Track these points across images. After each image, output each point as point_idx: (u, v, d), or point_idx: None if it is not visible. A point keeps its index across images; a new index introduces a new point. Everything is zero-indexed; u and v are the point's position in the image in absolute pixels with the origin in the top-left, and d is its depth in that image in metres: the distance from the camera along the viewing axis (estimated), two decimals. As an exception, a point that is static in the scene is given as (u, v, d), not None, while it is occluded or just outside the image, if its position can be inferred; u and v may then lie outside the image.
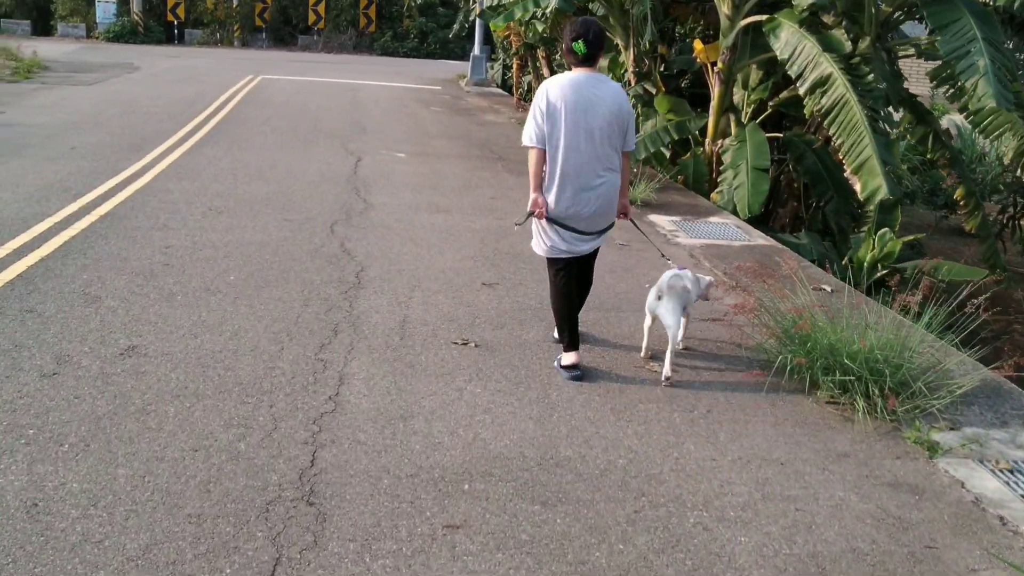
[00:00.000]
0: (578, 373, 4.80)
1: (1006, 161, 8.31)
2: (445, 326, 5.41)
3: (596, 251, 5.10)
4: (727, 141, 10.64)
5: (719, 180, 10.60)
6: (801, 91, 8.76)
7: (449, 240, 7.49)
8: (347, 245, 7.07)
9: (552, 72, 18.86)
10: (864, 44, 9.19)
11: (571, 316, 4.94)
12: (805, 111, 8.95)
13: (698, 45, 10.81)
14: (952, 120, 16.01)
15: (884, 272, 9.22)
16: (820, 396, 4.70)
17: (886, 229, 9.37)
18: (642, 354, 5.16)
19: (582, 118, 4.60)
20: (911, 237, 9.72)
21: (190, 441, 3.81)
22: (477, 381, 4.63)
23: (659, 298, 4.92)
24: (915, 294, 5.05)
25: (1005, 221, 13.40)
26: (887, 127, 8.70)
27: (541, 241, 4.94)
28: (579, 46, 4.61)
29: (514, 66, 20.14)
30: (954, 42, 8.22)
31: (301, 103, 17.25)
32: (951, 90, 8.99)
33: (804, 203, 11.66)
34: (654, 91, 11.91)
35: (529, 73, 20.55)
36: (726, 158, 10.44)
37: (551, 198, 4.74)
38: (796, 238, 9.52)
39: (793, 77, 8.94)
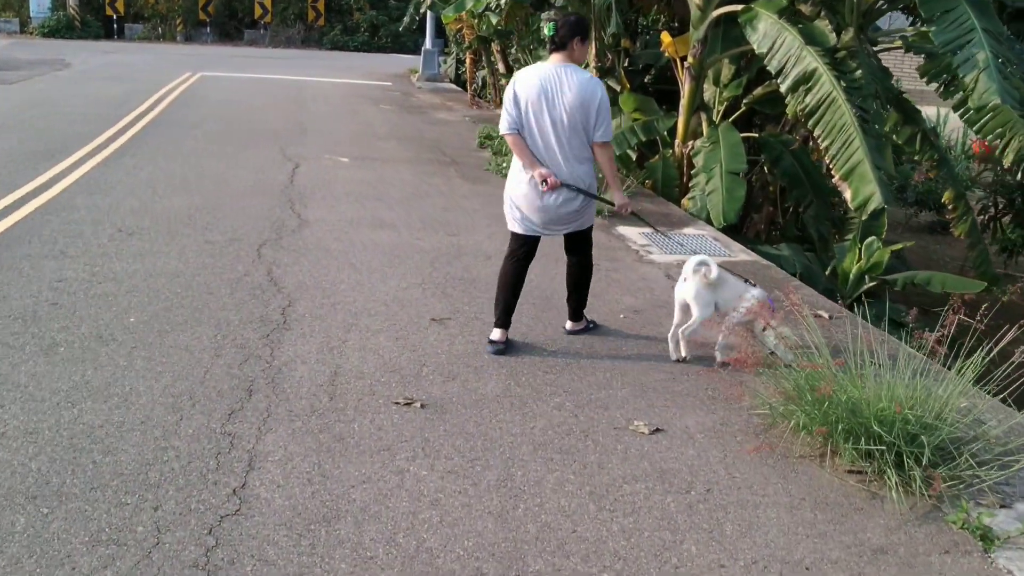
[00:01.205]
0: (500, 347, 4.98)
1: (1006, 164, 7.54)
2: (385, 379, 4.51)
3: (584, 234, 5.22)
4: (698, 142, 9.83)
5: (691, 185, 9.80)
6: (783, 88, 7.95)
7: (394, 263, 6.57)
8: (275, 273, 6.12)
9: (508, 67, 17.99)
10: (847, 36, 8.40)
11: (507, 298, 5.05)
12: (788, 111, 8.16)
13: (666, 38, 9.98)
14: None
15: (872, 284, 8.48)
16: (838, 464, 3.88)
17: (873, 238, 8.64)
18: (673, 356, 5.06)
19: (546, 109, 4.73)
20: (899, 245, 8.99)
21: (37, 573, 2.87)
22: (423, 458, 3.73)
23: (684, 280, 4.95)
24: (940, 331, 4.25)
25: (986, 221, 12.79)
26: (877, 128, 7.93)
27: (512, 212, 5.09)
28: (548, 28, 4.77)
29: (467, 61, 19.22)
30: (949, 33, 7.45)
31: (240, 102, 16.19)
32: (942, 86, 8.26)
33: (780, 208, 10.90)
34: (619, 88, 11.06)
35: (483, 68, 19.64)
36: (698, 161, 9.63)
37: (522, 181, 4.94)
38: (776, 249, 8.74)
39: (773, 73, 8.13)
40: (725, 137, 9.51)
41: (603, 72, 11.31)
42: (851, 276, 8.52)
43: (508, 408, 4.26)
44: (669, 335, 5.11)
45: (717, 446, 4.02)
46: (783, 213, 10.94)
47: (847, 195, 7.48)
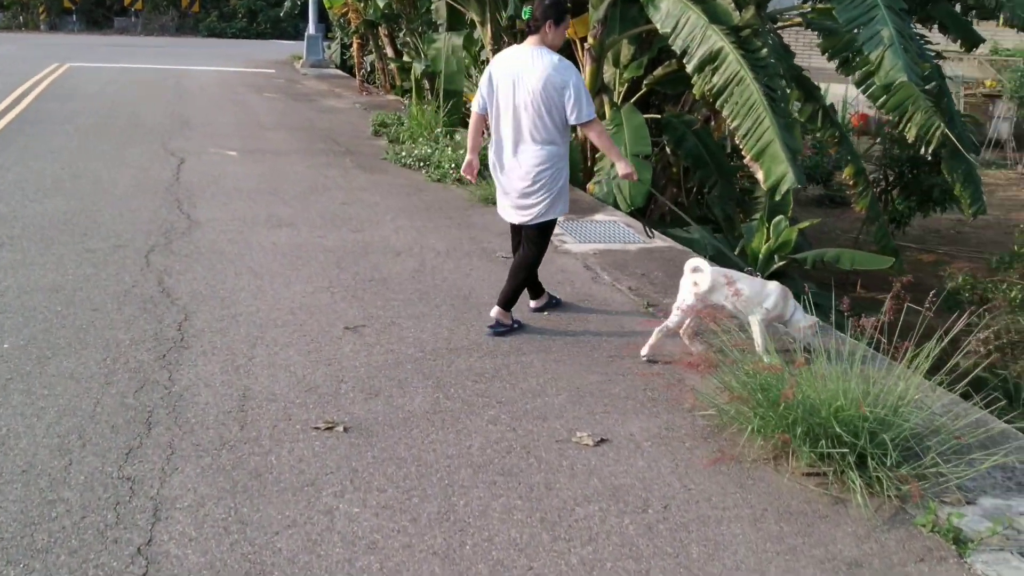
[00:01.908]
0: (501, 329, 5.06)
1: (910, 138, 7.55)
2: (301, 400, 4.09)
3: (537, 231, 5.10)
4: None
5: (596, 169, 9.59)
6: (689, 68, 7.76)
7: (297, 265, 6.12)
8: (167, 282, 5.60)
9: (397, 51, 17.48)
10: (748, 14, 8.28)
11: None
12: (695, 91, 7.98)
13: (564, 19, 9.70)
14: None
15: (782, 263, 8.44)
16: (794, 467, 3.68)
17: (780, 216, 8.59)
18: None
19: (511, 92, 4.80)
20: (805, 223, 8.97)
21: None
22: (352, 493, 3.35)
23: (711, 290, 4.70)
24: (876, 317, 4.10)
25: (878, 194, 13.02)
26: (784, 106, 7.84)
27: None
28: (525, 11, 4.82)
29: (354, 46, 18.60)
30: (853, 10, 7.41)
31: (115, 95, 15.24)
32: (843, 63, 8.24)
33: (684, 189, 10.81)
34: (516, 71, 10.74)
35: (371, 53, 19.06)
36: (602, 144, 9.40)
37: (491, 159, 5.07)
38: (687, 232, 8.60)
39: (678, 53, 7.94)
40: (628, 119, 9.32)
41: (500, 55, 10.98)
42: (760, 256, 8.46)
43: (440, 426, 3.91)
44: (682, 332, 4.85)
45: (667, 455, 3.77)
46: (687, 194, 10.85)
47: (759, 175, 7.36)
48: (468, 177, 5.23)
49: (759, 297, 4.67)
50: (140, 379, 4.21)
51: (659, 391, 4.37)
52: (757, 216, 9.24)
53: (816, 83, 9.80)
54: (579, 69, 9.68)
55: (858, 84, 7.98)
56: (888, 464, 3.45)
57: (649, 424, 4.03)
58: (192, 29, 37.32)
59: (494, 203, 8.25)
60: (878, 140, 12.61)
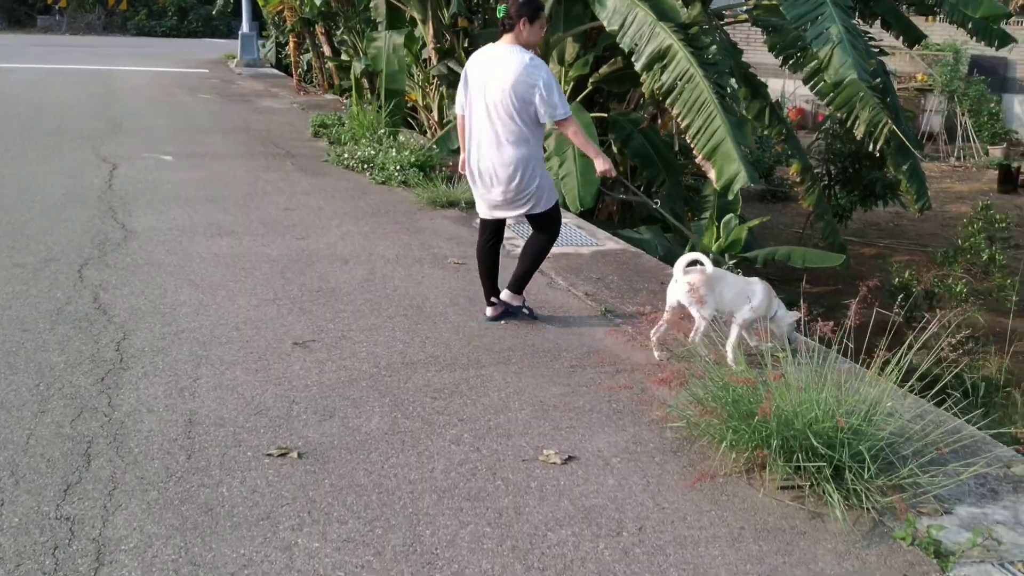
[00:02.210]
0: (495, 317, 5.23)
1: (858, 135, 7.56)
2: (251, 424, 3.87)
3: (542, 216, 5.11)
4: (548, 125, 9.46)
5: (544, 169, 9.44)
6: (638, 66, 7.67)
7: (240, 276, 5.86)
8: (102, 298, 5.31)
9: (334, 50, 17.16)
10: (695, 11, 8.22)
11: (484, 280, 5.28)
12: (644, 89, 7.89)
13: (508, 17, 9.54)
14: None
15: (733, 262, 8.39)
16: (767, 480, 3.57)
17: (731, 215, 8.56)
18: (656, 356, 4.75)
19: (482, 92, 4.80)
20: (755, 221, 8.95)
21: None
22: (311, 525, 3.16)
23: (676, 281, 4.69)
24: (836, 322, 4.03)
25: (821, 190, 13.12)
26: (734, 104, 7.80)
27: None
28: (500, 9, 4.79)
29: (291, 44, 18.21)
30: (801, 7, 7.40)
31: (40, 97, 14.68)
32: (791, 60, 8.24)
33: (630, 189, 10.72)
34: (460, 70, 10.56)
35: (308, 51, 18.69)
36: (549, 144, 9.26)
37: (467, 159, 5.08)
38: (638, 233, 8.52)
39: (626, 51, 7.84)
40: (576, 118, 9.19)
41: (443, 53, 10.80)
42: (711, 255, 8.40)
43: (400, 448, 3.73)
44: (652, 332, 4.77)
45: (637, 471, 3.63)
46: (634, 193, 10.77)
47: (711, 174, 7.30)
48: (465, 174, 5.20)
49: (745, 295, 4.65)
50: (77, 406, 3.95)
51: (624, 403, 4.24)
52: (706, 215, 9.20)
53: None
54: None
55: (806, 81, 7.97)
56: (866, 476, 3.36)
57: (616, 438, 3.90)
58: (120, 28, 36.35)
59: (441, 206, 8.12)
60: (820, 136, 12.70)
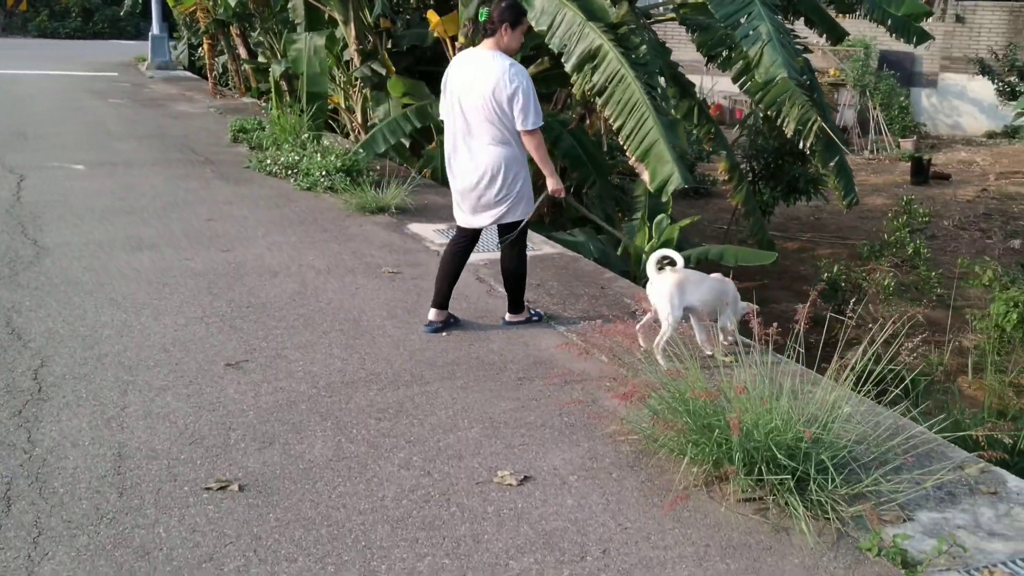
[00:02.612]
0: (436, 327, 5.11)
1: (788, 133, 7.59)
2: (186, 455, 3.64)
3: (507, 228, 5.06)
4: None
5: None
6: (568, 67, 7.55)
7: (164, 293, 5.58)
8: (16, 322, 4.99)
9: (250, 52, 16.71)
10: (623, 10, 8.15)
11: (442, 285, 5.12)
12: (575, 90, 7.77)
13: (433, 17, 9.36)
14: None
15: (666, 262, 8.36)
16: (728, 492, 3.49)
17: (663, 215, 8.53)
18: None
19: (460, 97, 4.77)
20: (687, 220, 8.93)
21: None
22: (259, 566, 2.95)
23: (651, 282, 4.63)
24: (783, 326, 4.00)
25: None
26: (665, 104, 7.76)
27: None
28: (481, 13, 4.79)
29: (205, 46, 17.68)
30: (729, 5, 7.37)
31: (-63, 104, 13.95)
32: (719, 59, 8.24)
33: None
34: (384, 72, 10.34)
35: (223, 53, 18.17)
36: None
37: (447, 165, 5.03)
38: (571, 235, 8.42)
39: (555, 51, 7.73)
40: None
41: (366, 55, 10.55)
42: (644, 256, 8.37)
43: (347, 476, 3.54)
44: (638, 327, 4.74)
45: (595, 489, 3.52)
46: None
47: (644, 176, 7.23)
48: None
49: (721, 294, 4.74)
50: (-7, 443, 3.66)
51: (576, 416, 4.12)
52: (638, 215, 9.17)
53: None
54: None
55: (736, 79, 7.98)
56: (829, 487, 3.30)
57: (571, 455, 3.78)
58: (20, 29, 34.90)
59: (371, 212, 7.90)
60: (743, 132, 12.80)
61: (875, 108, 21.28)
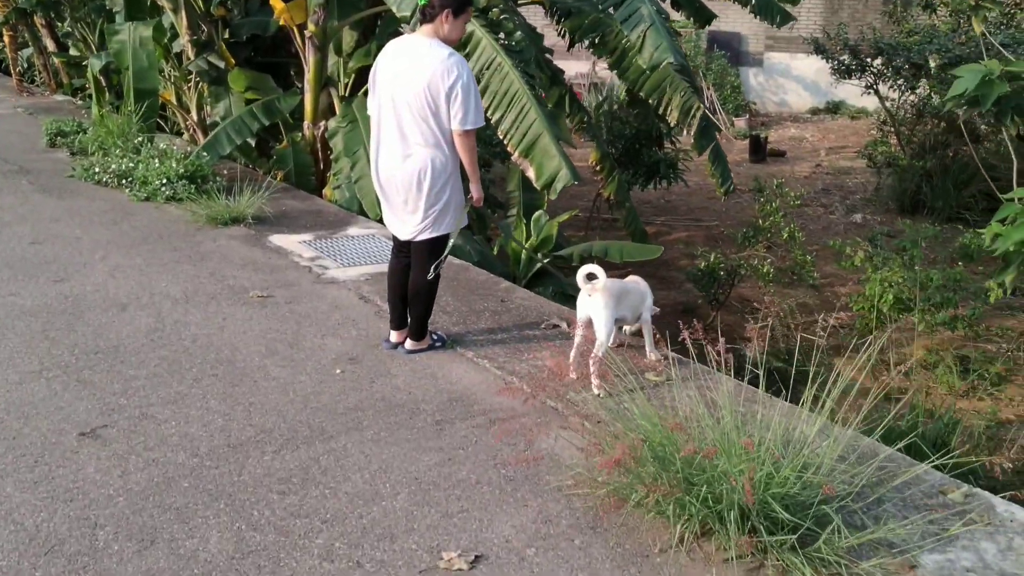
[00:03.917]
0: (397, 344, 4.70)
1: (672, 120, 7.29)
2: (42, 566, 2.85)
3: (427, 249, 4.47)
4: (332, 122, 8.57)
5: (332, 173, 8.55)
6: (438, 57, 6.93)
7: (-12, 341, 4.64)
8: None
9: (59, 43, 15.16)
10: (491, -6, 7.60)
11: (395, 302, 4.69)
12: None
13: (278, 4, 8.47)
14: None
15: (546, 261, 7.91)
16: (709, 551, 3.01)
17: (540, 211, 8.09)
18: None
19: (394, 89, 4.26)
20: (564, 215, 8.50)
21: None
22: None
23: (589, 295, 4.21)
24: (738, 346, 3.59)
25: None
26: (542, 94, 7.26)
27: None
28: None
29: (6, 39, 15.93)
30: (607, -12, 6.94)
31: None
32: (592, 44, 7.81)
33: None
34: (223, 65, 9.38)
35: (27, 46, 16.43)
36: (336, 144, 8.39)
37: (372, 165, 4.50)
38: (447, 237, 7.80)
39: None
40: (362, 114, 8.34)
41: (201, 46, 9.55)
42: (523, 256, 7.89)
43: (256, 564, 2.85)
44: (571, 355, 4.29)
45: (560, 563, 2.96)
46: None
47: (530, 173, 6.70)
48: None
49: (645, 298, 4.51)
50: None
51: (512, 465, 3.55)
52: (512, 211, 8.67)
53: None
54: (303, 60, 8.63)
55: (613, 65, 7.56)
56: (838, 541, 2.87)
57: (521, 519, 3.20)
58: None
59: (224, 223, 7.03)
60: (599, 117, 12.50)
61: (709, 88, 21.61)
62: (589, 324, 4.26)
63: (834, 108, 21.87)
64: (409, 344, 4.67)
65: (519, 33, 7.05)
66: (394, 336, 4.72)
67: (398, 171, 4.35)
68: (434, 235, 4.46)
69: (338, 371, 4.41)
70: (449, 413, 4.00)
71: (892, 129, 14.26)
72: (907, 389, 6.78)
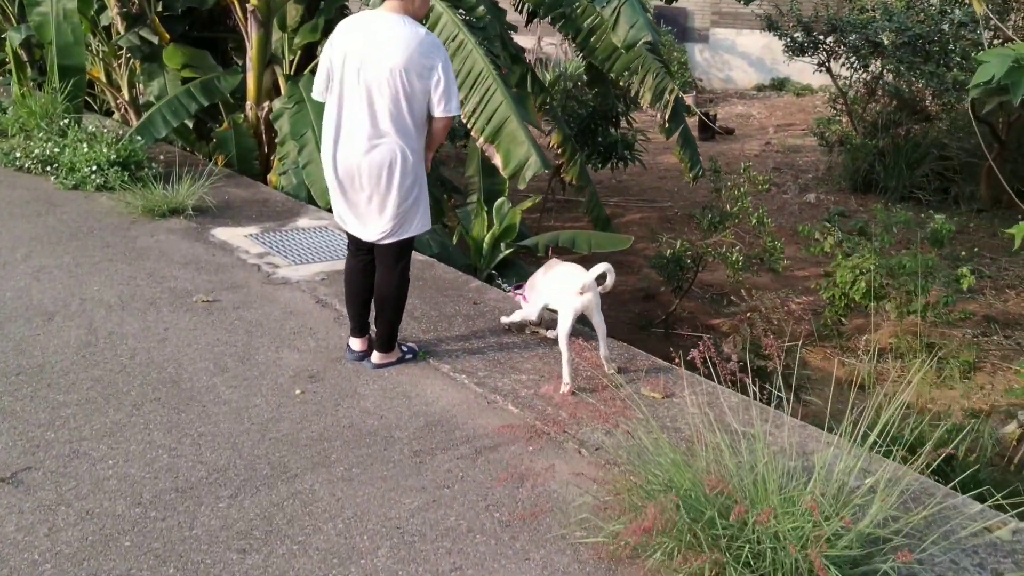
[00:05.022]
0: (360, 355, 4.24)
1: (644, 104, 6.88)
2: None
3: (394, 251, 4.08)
4: (277, 103, 7.97)
5: (278, 158, 7.96)
6: (394, 34, 6.40)
7: None
8: None
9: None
10: (445, -34, 7.05)
11: (355, 309, 4.23)
12: (403, 61, 6.63)
13: (216, -26, 7.85)
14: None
15: (509, 252, 7.46)
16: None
17: (503, 199, 7.61)
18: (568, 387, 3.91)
19: (361, 68, 3.78)
20: (528, 202, 8.04)
21: None
22: None
23: (582, 293, 3.95)
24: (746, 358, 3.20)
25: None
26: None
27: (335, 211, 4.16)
28: None
29: (-85, 9, 14.81)
30: (576, -39, 6.47)
31: None
32: (558, 21, 7.34)
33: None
34: (156, 40, 8.69)
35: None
36: (281, 126, 7.81)
37: (328, 155, 3.95)
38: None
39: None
40: (309, 94, 7.77)
41: (131, 20, 8.84)
42: (485, 246, 7.43)
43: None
44: (566, 371, 3.96)
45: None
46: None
47: (496, 161, 6.23)
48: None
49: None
50: None
51: (506, 505, 3.12)
52: (472, 199, 8.19)
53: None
54: (245, 36, 8.00)
55: (582, 44, 7.10)
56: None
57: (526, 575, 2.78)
58: None
59: (162, 215, 6.42)
60: (553, 97, 12.05)
61: (657, 65, 21.28)
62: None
63: (779, 85, 21.71)
64: (376, 357, 4.19)
65: (481, 7, 6.54)
66: (356, 344, 4.28)
67: (363, 161, 3.88)
68: (403, 238, 4.03)
69: (298, 391, 3.92)
70: (428, 441, 3.54)
71: (844, 107, 14.08)
72: (878, 376, 6.56)
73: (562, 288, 4.05)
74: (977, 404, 6.65)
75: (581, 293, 3.93)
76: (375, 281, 4.14)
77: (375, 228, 4.00)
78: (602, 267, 3.97)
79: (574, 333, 4.01)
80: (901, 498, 2.79)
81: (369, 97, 3.79)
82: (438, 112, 3.87)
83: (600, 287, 4.02)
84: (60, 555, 2.77)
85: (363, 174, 3.90)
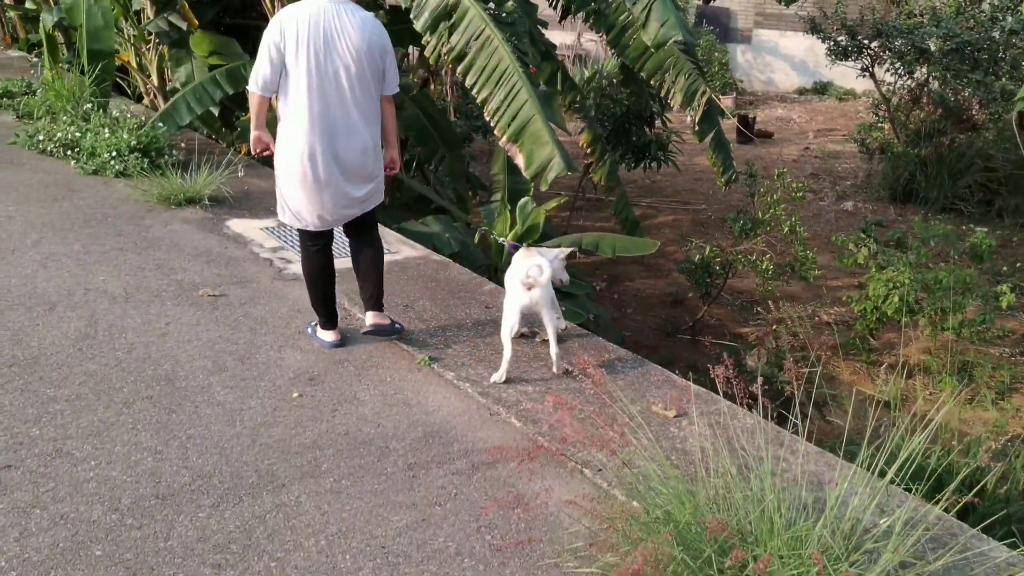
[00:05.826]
0: (339, 342, 4.27)
1: (675, 104, 6.68)
2: None
3: (372, 216, 4.27)
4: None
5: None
6: (419, 27, 6.22)
7: None
8: None
9: (15, -5, 14.20)
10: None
11: (325, 299, 4.26)
12: (427, 54, 6.44)
13: (245, -39, 7.76)
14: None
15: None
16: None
17: (527, 198, 7.43)
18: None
19: (325, 56, 3.81)
20: (553, 202, 7.87)
21: None
22: None
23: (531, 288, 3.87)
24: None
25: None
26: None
27: (285, 208, 4.14)
28: None
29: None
30: (608, -45, 6.28)
31: None
32: (590, 17, 7.13)
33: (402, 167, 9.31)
34: (185, 26, 8.61)
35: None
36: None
37: (303, 147, 3.88)
38: (424, 225, 7.16)
39: (403, 7, 6.41)
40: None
41: (161, 5, 8.77)
42: (507, 244, 7.25)
43: None
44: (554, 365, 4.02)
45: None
46: (406, 170, 9.38)
47: (519, 161, 6.04)
48: (265, 153, 4.13)
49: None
50: None
51: (500, 527, 2.96)
52: (496, 197, 8.02)
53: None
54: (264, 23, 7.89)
55: (611, 42, 6.90)
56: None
57: (513, 609, 2.61)
58: None
59: (178, 204, 6.33)
60: (590, 95, 11.86)
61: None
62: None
63: (822, 89, 21.28)
64: (376, 317, 4.28)
65: (510, 2, 6.36)
66: (331, 336, 4.32)
67: (349, 148, 3.97)
68: (378, 203, 4.25)
69: (295, 395, 3.78)
70: (424, 454, 3.38)
71: (887, 114, 13.72)
72: (907, 395, 6.32)
73: (510, 283, 3.97)
74: (1012, 427, 6.39)
75: (529, 288, 3.85)
76: (357, 254, 4.28)
77: (361, 206, 4.13)
78: (553, 253, 4.05)
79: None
80: (919, 541, 2.59)
81: (339, 82, 3.86)
82: (389, 90, 4.06)
83: (531, 278, 3.86)
84: (28, 562, 2.65)
85: (347, 163, 3.98)
